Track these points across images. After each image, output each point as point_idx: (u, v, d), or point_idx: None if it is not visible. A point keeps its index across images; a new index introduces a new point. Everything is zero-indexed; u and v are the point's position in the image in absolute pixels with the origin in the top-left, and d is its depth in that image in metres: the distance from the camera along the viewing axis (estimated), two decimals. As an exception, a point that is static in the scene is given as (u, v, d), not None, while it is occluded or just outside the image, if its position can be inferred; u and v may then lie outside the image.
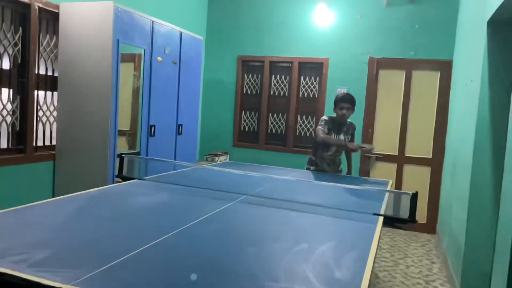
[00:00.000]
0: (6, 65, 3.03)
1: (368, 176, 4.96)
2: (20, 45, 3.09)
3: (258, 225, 1.92)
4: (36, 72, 3.22)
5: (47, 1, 3.21)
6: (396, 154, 5.03)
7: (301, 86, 5.43)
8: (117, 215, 1.88)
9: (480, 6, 3.17)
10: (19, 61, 3.11)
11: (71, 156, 3.30)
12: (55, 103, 3.40)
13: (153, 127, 3.72)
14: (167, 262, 1.36)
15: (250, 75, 5.65)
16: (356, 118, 4.54)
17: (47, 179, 3.33)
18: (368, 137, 5.07)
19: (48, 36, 3.32)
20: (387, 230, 4.90)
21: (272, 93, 5.57)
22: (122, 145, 3.58)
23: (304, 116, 5.44)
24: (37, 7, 3.14)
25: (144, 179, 2.68)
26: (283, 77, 5.51)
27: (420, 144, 4.95)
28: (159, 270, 1.29)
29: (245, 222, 1.97)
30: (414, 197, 2.16)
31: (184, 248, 1.50)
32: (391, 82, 5.04)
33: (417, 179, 4.95)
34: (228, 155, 5.56)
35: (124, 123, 3.59)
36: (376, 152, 5.04)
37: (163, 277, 1.24)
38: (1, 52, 2.98)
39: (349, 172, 3.88)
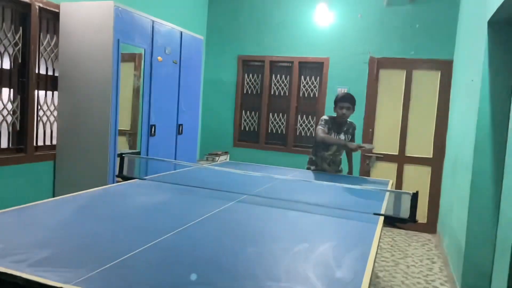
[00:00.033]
0: (6, 64, 3.03)
1: (369, 176, 4.96)
2: (20, 44, 3.09)
3: (258, 225, 1.92)
4: (37, 71, 3.22)
5: (48, 0, 3.21)
6: (397, 153, 5.03)
7: (301, 85, 5.43)
8: (117, 215, 1.88)
9: (481, 6, 3.17)
10: (20, 61, 3.11)
11: (72, 156, 3.30)
12: (56, 103, 3.40)
13: (153, 127, 3.72)
14: (167, 261, 1.36)
15: (251, 75, 5.65)
16: (357, 117, 4.55)
17: (47, 179, 3.33)
18: (368, 136, 5.07)
19: (48, 36, 3.32)
20: (387, 230, 4.90)
21: (272, 92, 5.57)
22: (122, 145, 3.58)
23: (304, 116, 5.44)
24: (37, 7, 3.14)
25: (145, 179, 2.68)
26: (283, 76, 5.51)
27: (420, 143, 4.95)
28: (159, 269, 1.29)
29: (246, 221, 1.97)
30: (415, 197, 2.16)
31: (184, 247, 1.50)
32: (392, 82, 5.03)
33: (417, 179, 4.94)
34: (228, 155, 5.56)
35: (124, 123, 3.59)
36: (376, 152, 5.04)
37: (163, 276, 1.24)
38: (2, 52, 2.98)
39: (350, 172, 3.88)
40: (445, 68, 4.80)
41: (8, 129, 3.07)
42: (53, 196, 3.28)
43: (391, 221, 2.20)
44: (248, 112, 5.70)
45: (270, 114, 5.59)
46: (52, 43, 3.35)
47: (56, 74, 3.39)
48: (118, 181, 2.79)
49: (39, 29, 3.22)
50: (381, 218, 2.09)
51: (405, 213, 2.18)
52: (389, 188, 3.20)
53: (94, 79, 3.19)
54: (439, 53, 4.80)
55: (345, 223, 2.03)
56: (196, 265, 1.35)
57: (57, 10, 3.28)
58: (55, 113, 3.41)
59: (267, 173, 2.94)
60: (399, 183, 4.99)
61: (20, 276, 1.14)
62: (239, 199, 2.30)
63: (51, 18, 3.32)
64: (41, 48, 3.27)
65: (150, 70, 3.64)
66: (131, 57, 3.65)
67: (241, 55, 5.60)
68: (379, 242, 1.75)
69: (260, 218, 2.03)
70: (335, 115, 3.56)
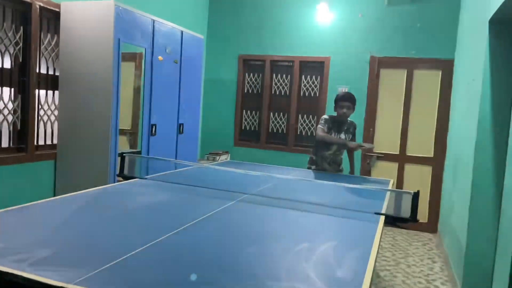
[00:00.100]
0: (7, 64, 3.03)
1: (369, 175, 4.96)
2: (21, 44, 3.09)
3: (259, 224, 1.92)
4: (37, 71, 3.22)
5: (48, 0, 3.21)
6: (397, 153, 5.02)
7: (302, 85, 5.42)
8: (118, 215, 1.88)
9: (482, 5, 3.16)
10: (20, 60, 3.11)
11: (72, 155, 3.30)
12: (56, 102, 3.40)
13: (154, 126, 3.72)
14: (168, 261, 1.36)
15: (251, 74, 5.64)
16: (357, 117, 4.54)
17: (48, 178, 3.33)
18: (369, 136, 5.06)
19: (49, 35, 3.32)
20: (388, 229, 4.89)
21: (273, 92, 5.57)
22: (123, 144, 3.58)
23: (305, 115, 5.44)
24: (38, 6, 3.14)
25: (145, 178, 2.68)
26: (284, 76, 5.51)
27: (421, 143, 4.95)
28: (160, 269, 1.29)
29: (246, 221, 1.96)
30: (416, 196, 2.16)
31: (185, 247, 1.50)
32: (393, 81, 5.03)
33: (418, 178, 4.94)
34: (229, 154, 5.56)
35: (125, 122, 3.59)
36: (377, 151, 5.04)
37: (164, 276, 1.24)
38: (2, 51, 2.98)
39: (351, 171, 3.87)
40: (446, 67, 4.79)
41: (8, 128, 3.08)
42: (54, 196, 3.28)
43: (392, 221, 2.19)
44: (248, 111, 5.70)
45: (271, 113, 5.59)
46: (53, 43, 3.35)
47: (56, 74, 3.39)
48: (118, 181, 2.79)
49: (40, 29, 3.22)
50: (382, 218, 2.09)
51: (406, 212, 2.18)
52: (390, 187, 3.20)
53: (94, 79, 3.19)
54: (440, 53, 4.79)
55: (346, 222, 2.03)
56: (196, 264, 1.34)
57: (57, 10, 3.28)
58: (56, 112, 3.41)
59: (268, 173, 2.93)
60: (400, 183, 4.99)
61: (21, 276, 1.14)
62: (240, 199, 2.30)
63: (52, 18, 3.32)
64: (42, 47, 3.27)
65: (150, 69, 3.64)
66: (132, 57, 3.65)
67: (241, 54, 5.60)
68: (380, 241, 1.75)
69: (260, 218, 2.03)
70: (336, 115, 3.56)
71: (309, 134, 5.40)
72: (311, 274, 1.31)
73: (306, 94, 5.41)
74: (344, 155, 3.76)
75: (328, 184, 2.78)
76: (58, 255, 1.33)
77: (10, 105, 3.06)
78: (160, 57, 3.72)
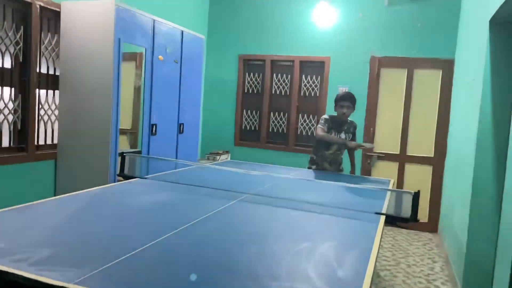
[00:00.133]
0: (7, 63, 3.03)
1: (370, 175, 4.96)
2: (21, 44, 3.09)
3: (259, 224, 1.92)
4: (38, 70, 3.22)
5: None
6: (398, 153, 5.02)
7: (302, 85, 5.42)
8: (118, 214, 1.88)
9: (482, 5, 3.16)
10: (21, 60, 3.11)
11: (73, 155, 3.30)
12: (57, 102, 3.40)
13: (154, 126, 3.72)
14: (168, 260, 1.36)
15: (252, 74, 5.64)
16: (358, 116, 4.54)
17: (48, 178, 3.33)
18: (369, 136, 5.06)
19: (49, 35, 3.32)
20: (388, 229, 4.89)
21: (273, 92, 5.57)
22: (123, 144, 3.58)
23: (305, 115, 5.44)
24: (38, 6, 3.14)
25: (146, 178, 2.68)
26: (284, 76, 5.50)
27: (421, 143, 4.94)
28: (161, 268, 1.29)
29: (247, 221, 1.96)
30: (416, 196, 2.16)
31: (186, 247, 1.50)
32: (393, 81, 5.03)
33: (418, 178, 4.94)
34: (230, 154, 5.56)
35: (125, 122, 3.59)
36: (376, 151, 5.04)
37: (165, 275, 1.24)
38: (3, 51, 2.98)
39: (352, 171, 3.87)
40: (447, 67, 4.79)
41: (9, 128, 3.08)
42: (54, 195, 3.28)
43: (392, 221, 2.19)
44: (249, 111, 5.69)
45: (271, 113, 5.59)
46: (53, 42, 3.35)
47: (57, 73, 3.39)
48: (119, 180, 2.79)
49: (40, 28, 3.22)
50: (383, 217, 2.09)
51: (406, 212, 2.18)
52: (390, 187, 3.20)
53: (95, 78, 3.19)
54: (441, 52, 4.79)
55: (347, 222, 2.03)
56: (197, 264, 1.34)
57: (58, 9, 3.28)
58: (56, 112, 3.41)
59: (268, 172, 2.94)
60: (400, 182, 4.99)
61: (22, 275, 1.14)
62: (240, 199, 2.30)
63: (52, 17, 3.32)
64: (42, 47, 3.27)
65: (151, 69, 3.64)
66: (132, 56, 3.65)
67: (242, 54, 5.60)
68: (380, 241, 1.75)
69: (261, 218, 2.03)
70: (336, 114, 3.56)
71: (309, 134, 5.40)
72: (311, 274, 1.31)
73: (307, 94, 5.41)
74: (345, 155, 3.76)
75: (329, 184, 2.78)
76: (59, 255, 1.33)
77: (10, 105, 3.06)
78: (160, 57, 3.72)
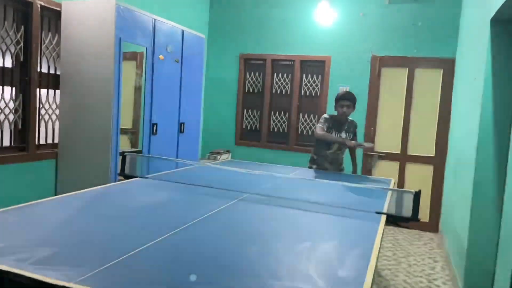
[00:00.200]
0: (8, 63, 3.04)
1: (371, 175, 4.95)
2: (22, 43, 3.09)
3: (260, 224, 1.92)
4: (38, 70, 3.22)
5: (49, -1, 3.22)
6: (399, 152, 5.02)
7: (303, 84, 5.42)
8: (119, 214, 1.88)
9: (484, 4, 3.15)
10: (21, 59, 3.11)
11: (73, 154, 3.30)
12: (57, 101, 3.40)
13: (155, 126, 3.72)
14: (169, 260, 1.36)
15: (252, 73, 5.64)
16: (358, 116, 4.54)
17: (49, 177, 3.34)
18: (370, 135, 5.06)
19: (50, 34, 3.32)
20: (389, 229, 4.89)
21: (274, 91, 5.56)
22: (124, 144, 3.58)
23: (306, 115, 5.43)
24: (39, 5, 3.14)
25: (146, 178, 2.68)
26: (285, 75, 5.50)
27: (422, 142, 4.94)
28: (161, 268, 1.29)
29: (247, 220, 1.96)
30: (417, 195, 2.15)
31: (186, 246, 1.50)
32: (394, 80, 5.02)
33: (419, 177, 4.93)
34: (230, 154, 5.56)
35: (126, 122, 3.59)
36: (377, 151, 5.03)
37: (166, 275, 1.24)
38: (4, 51, 2.98)
39: (354, 171, 3.87)
40: (448, 66, 4.78)
41: (10, 127, 3.08)
42: (55, 195, 3.28)
43: (393, 220, 2.19)
44: (249, 110, 5.69)
45: (272, 112, 5.59)
46: (54, 42, 3.35)
47: (58, 73, 3.39)
48: (120, 180, 2.79)
49: (41, 28, 3.22)
50: (384, 217, 2.09)
51: (407, 212, 2.17)
52: (391, 187, 3.20)
53: (95, 78, 3.19)
54: (442, 52, 4.78)
55: (347, 221, 2.03)
56: (198, 263, 1.34)
57: (58, 9, 3.28)
58: (57, 111, 3.41)
59: (269, 172, 2.93)
60: (401, 182, 4.98)
61: (23, 275, 1.14)
62: (241, 198, 2.30)
63: (53, 17, 3.32)
64: (43, 46, 3.27)
65: (151, 68, 3.63)
66: (133, 56, 3.65)
67: (242, 53, 5.60)
68: (381, 241, 1.75)
69: (261, 217, 2.03)
70: (336, 114, 3.56)
71: (310, 133, 5.40)
72: (312, 273, 1.31)
73: (307, 93, 5.41)
74: (347, 156, 3.75)
75: (329, 183, 2.78)
76: (59, 254, 1.32)
77: (11, 104, 3.06)
78: (161, 56, 3.72)
